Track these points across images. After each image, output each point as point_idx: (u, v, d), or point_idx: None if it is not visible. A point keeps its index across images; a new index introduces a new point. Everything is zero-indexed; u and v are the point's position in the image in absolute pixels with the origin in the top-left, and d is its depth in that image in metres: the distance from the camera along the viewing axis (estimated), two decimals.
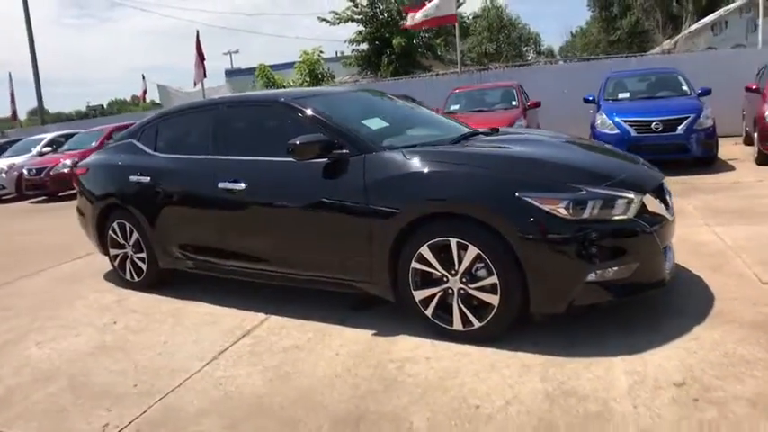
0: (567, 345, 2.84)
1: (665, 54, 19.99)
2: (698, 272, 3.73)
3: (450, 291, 2.99)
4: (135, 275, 4.43)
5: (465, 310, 2.95)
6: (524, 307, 2.86)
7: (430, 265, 2.99)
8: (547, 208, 2.73)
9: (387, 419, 2.38)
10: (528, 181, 2.85)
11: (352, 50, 21.60)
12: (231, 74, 27.11)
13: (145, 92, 24.54)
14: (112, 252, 4.55)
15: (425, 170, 3.04)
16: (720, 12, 23.93)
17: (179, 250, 4.06)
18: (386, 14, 20.07)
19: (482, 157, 3.22)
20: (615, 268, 2.78)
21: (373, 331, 3.24)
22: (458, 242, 2.88)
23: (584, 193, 2.78)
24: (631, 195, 2.86)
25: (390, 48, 19.86)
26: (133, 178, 4.19)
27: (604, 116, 7.63)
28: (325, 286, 3.50)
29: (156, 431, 2.45)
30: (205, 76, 16.09)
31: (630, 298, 2.97)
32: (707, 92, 7.89)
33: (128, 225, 4.31)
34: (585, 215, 2.74)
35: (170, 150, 4.15)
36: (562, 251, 2.74)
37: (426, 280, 3.05)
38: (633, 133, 7.33)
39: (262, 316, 3.64)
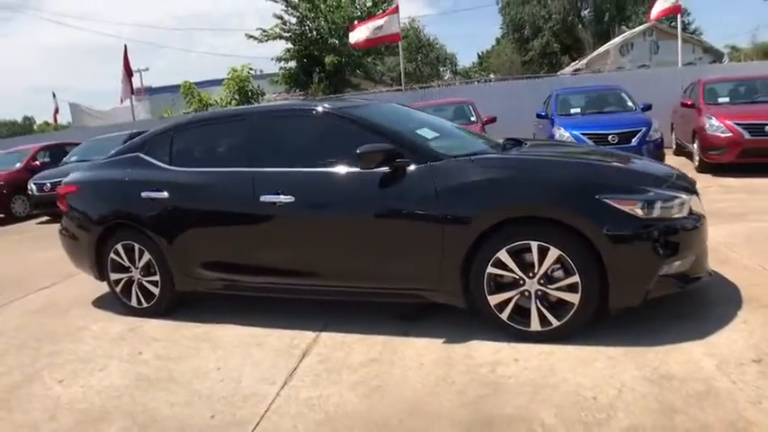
0: (634, 337, 2.98)
1: (575, 74, 21.72)
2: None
3: (526, 293, 3.02)
4: (143, 301, 4.02)
5: (543, 310, 3.00)
6: (601, 303, 2.96)
7: (507, 268, 3.02)
8: (625, 209, 2.88)
9: (516, 420, 2.37)
10: (605, 184, 2.99)
11: (280, 68, 21.35)
12: (153, 92, 25.64)
13: (57, 111, 22.53)
14: (114, 277, 4.10)
15: (505, 176, 3.09)
16: (626, 35, 26.58)
17: (204, 270, 3.76)
18: (315, 33, 20.09)
19: (554, 163, 3.33)
20: (679, 261, 2.97)
21: (442, 339, 3.19)
22: (539, 245, 2.94)
23: (652, 194, 2.96)
24: (686, 196, 3.09)
25: (320, 65, 19.86)
26: (146, 194, 3.84)
27: (562, 129, 8.13)
28: (384, 298, 3.41)
29: None
30: (132, 92, 15.09)
31: (689, 288, 3.17)
32: (648, 107, 8.68)
33: (136, 246, 3.92)
34: (655, 214, 2.92)
35: (191, 163, 3.85)
36: (640, 248, 2.89)
37: (501, 284, 3.07)
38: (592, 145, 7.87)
39: (310, 333, 3.46)
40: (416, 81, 32.14)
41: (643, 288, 2.93)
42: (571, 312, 2.97)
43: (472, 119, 9.56)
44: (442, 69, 38.76)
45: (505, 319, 3.09)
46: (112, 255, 4.04)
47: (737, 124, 7.42)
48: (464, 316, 3.31)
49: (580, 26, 33.57)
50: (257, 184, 3.48)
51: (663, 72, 13.87)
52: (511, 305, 3.07)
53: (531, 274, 3.00)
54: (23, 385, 3.13)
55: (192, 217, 3.74)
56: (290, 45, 20.42)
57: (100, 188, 4.17)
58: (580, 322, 2.99)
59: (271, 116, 3.80)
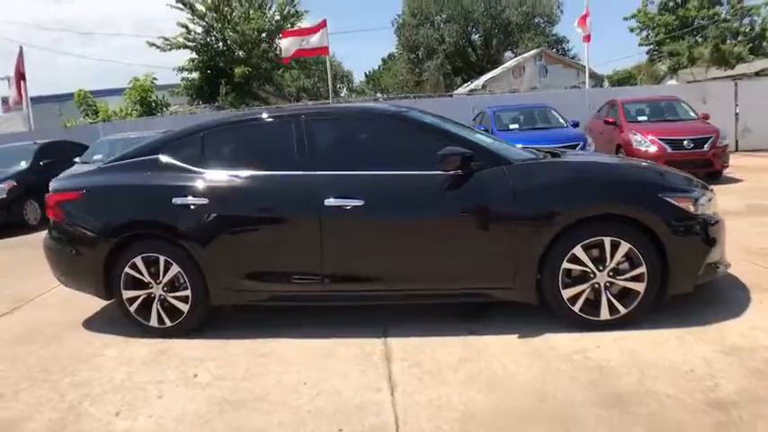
0: (682, 320, 3.31)
1: (471, 94, 23.16)
2: None
3: (596, 285, 3.22)
4: (167, 320, 3.61)
5: (613, 300, 3.22)
6: (661, 291, 3.25)
7: (581, 263, 3.21)
8: (681, 205, 3.23)
9: (643, 395, 2.55)
10: (664, 185, 3.34)
11: (182, 79, 20.22)
12: (39, 100, 22.63)
13: None
14: (128, 295, 3.63)
15: (580, 178, 3.31)
16: (519, 59, 28.89)
17: (250, 281, 3.48)
18: (221, 44, 19.36)
19: (618, 166, 3.62)
20: (717, 251, 3.37)
21: (515, 335, 3.29)
22: (611, 240, 3.16)
23: (696, 192, 3.34)
24: (711, 194, 3.52)
25: (226, 77, 19.15)
26: (179, 201, 3.47)
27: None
28: (450, 299, 3.45)
29: None
30: (22, 100, 13.38)
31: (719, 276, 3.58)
32: (576, 124, 9.55)
33: (162, 258, 3.52)
34: (700, 210, 3.29)
35: (231, 167, 3.56)
36: (694, 240, 3.25)
37: (573, 278, 3.24)
38: None
39: (375, 340, 3.37)
40: (315, 97, 32.17)
41: (695, 275, 3.28)
42: (637, 300, 3.23)
43: None
44: (339, 86, 39.21)
45: (578, 311, 3.26)
46: (128, 269, 3.58)
47: (660, 139, 8.46)
48: (516, 312, 3.48)
49: (471, 50, 36.04)
50: (321, 188, 3.32)
51: (570, 93, 15.36)
52: (583, 297, 3.25)
53: (601, 268, 3.21)
54: (69, 424, 2.66)
55: (238, 224, 3.46)
56: (194, 55, 19.49)
57: (113, 194, 3.70)
58: (644, 309, 3.26)
59: (327, 118, 3.65)
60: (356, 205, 3.28)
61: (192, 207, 3.46)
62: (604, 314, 3.25)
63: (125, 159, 3.85)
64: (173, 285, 3.58)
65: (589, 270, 3.22)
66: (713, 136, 8.47)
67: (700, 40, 28.46)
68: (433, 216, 3.31)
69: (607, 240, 3.17)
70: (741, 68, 22.15)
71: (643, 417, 2.39)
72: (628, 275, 3.22)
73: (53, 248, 3.88)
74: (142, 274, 3.57)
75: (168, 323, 3.61)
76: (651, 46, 37.28)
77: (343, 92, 38.80)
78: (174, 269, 3.52)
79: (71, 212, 3.75)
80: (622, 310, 3.24)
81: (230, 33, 18.74)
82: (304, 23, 21.09)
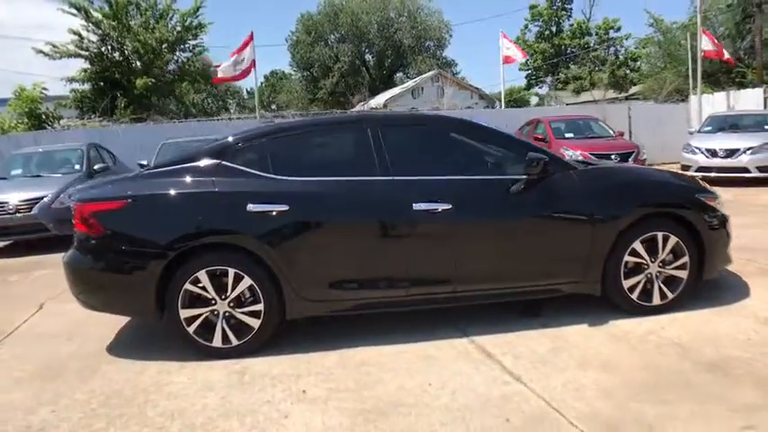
0: (704, 303, 3.79)
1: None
2: None
3: (648, 275, 3.62)
4: (233, 338, 3.35)
5: (663, 287, 3.64)
6: (698, 277, 3.73)
7: (639, 255, 3.59)
8: (711, 204, 3.76)
9: (731, 361, 2.99)
10: (696, 187, 3.86)
11: (71, 90, 18.29)
12: None
13: None
14: (187, 314, 3.31)
15: (638, 181, 3.76)
16: (417, 80, 30.23)
17: (333, 290, 3.38)
18: (118, 54, 17.86)
19: (661, 172, 4.05)
20: (730, 243, 3.94)
21: (585, 324, 3.58)
22: (663, 234, 3.59)
23: (716, 193, 3.89)
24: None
25: (122, 90, 17.70)
26: (255, 207, 3.27)
27: None
28: (525, 296, 3.64)
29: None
30: None
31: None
32: None
33: (232, 271, 3.28)
34: (719, 208, 3.83)
35: (304, 172, 3.44)
36: (721, 233, 3.80)
37: (630, 270, 3.61)
38: None
39: (461, 340, 3.46)
40: (204, 114, 30.84)
41: (721, 263, 3.82)
42: (681, 286, 3.68)
43: None
44: (230, 102, 37.92)
45: (635, 299, 3.63)
46: (188, 285, 3.28)
47: (591, 154, 9.45)
48: (562, 305, 3.77)
49: (365, 70, 37.06)
50: (409, 193, 3.35)
51: (486, 112, 16.43)
52: (640, 287, 3.63)
53: (653, 259, 3.61)
54: None
55: (322, 232, 3.35)
56: (87, 65, 17.75)
57: (171, 202, 3.36)
58: (687, 294, 3.71)
59: (403, 124, 3.66)
60: (445, 209, 3.36)
61: (272, 214, 3.28)
62: (656, 300, 3.66)
63: (172, 165, 3.54)
64: (239, 300, 3.35)
65: (644, 261, 3.60)
66: (635, 150, 9.67)
67: (590, 66, 31.95)
68: (514, 218, 3.51)
69: (660, 235, 3.59)
70: (610, 93, 25.46)
71: (743, 376, 2.80)
72: (674, 265, 3.66)
73: (84, 267, 3.43)
74: (206, 290, 3.30)
75: (235, 342, 3.35)
76: (529, 71, 41.12)
77: (233, 108, 37.53)
78: (246, 282, 3.29)
79: (114, 224, 3.34)
80: (670, 296, 3.67)
81: (130, 43, 17.35)
82: (207, 37, 20.31)
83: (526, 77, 41.76)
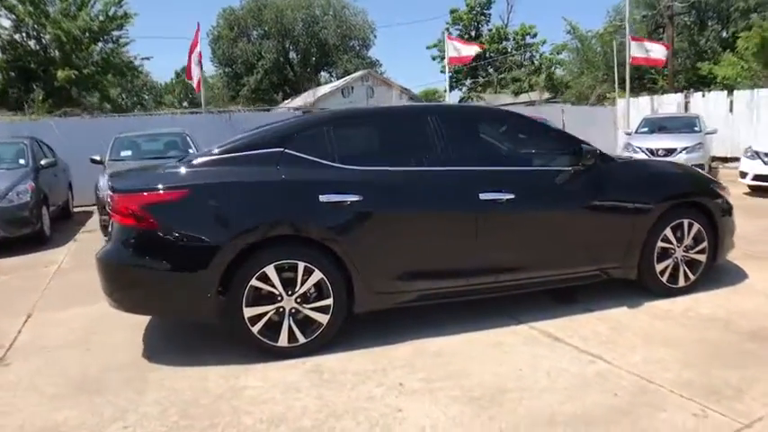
0: (715, 284, 4.17)
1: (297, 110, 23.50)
2: None
3: (675, 259, 3.94)
4: (300, 336, 3.20)
5: (687, 270, 3.97)
6: (712, 261, 4.10)
7: (669, 241, 3.89)
8: (722, 193, 4.14)
9: None
10: (711, 178, 4.22)
11: None
12: None
13: None
14: (251, 312, 3.12)
15: (669, 173, 4.07)
16: (347, 79, 29.93)
17: (402, 282, 3.34)
18: (34, 42, 16.17)
19: (681, 165, 4.35)
20: (735, 229, 4.36)
21: (624, 307, 3.81)
22: (688, 221, 3.93)
23: (722, 184, 4.30)
24: None
25: (38, 81, 16.08)
26: (327, 198, 3.15)
27: None
28: (573, 282, 3.80)
29: None
30: None
31: None
32: None
33: (302, 265, 3.13)
34: (728, 197, 4.24)
35: (370, 161, 3.37)
36: (730, 220, 4.21)
37: (661, 254, 3.89)
38: None
39: (521, 326, 3.56)
40: (121, 110, 28.93)
41: (730, 247, 4.21)
42: (701, 269, 4.04)
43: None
44: (147, 97, 35.70)
45: (665, 281, 3.93)
46: (255, 282, 3.09)
47: None
48: (590, 291, 3.96)
49: (290, 69, 36.35)
50: (476, 183, 3.39)
51: None
52: (669, 270, 3.93)
53: (679, 245, 3.92)
54: None
55: (394, 222, 3.30)
56: None
57: (235, 193, 3.14)
58: (704, 275, 4.06)
59: (461, 115, 3.69)
60: (509, 198, 3.44)
61: (344, 205, 3.18)
62: (681, 282, 3.98)
63: (230, 153, 3.32)
64: (304, 296, 3.21)
65: (672, 247, 3.91)
66: None
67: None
68: (568, 206, 3.67)
69: (686, 222, 3.91)
70: (523, 97, 26.97)
71: None
72: (696, 249, 4.00)
73: (129, 264, 3.12)
74: (274, 286, 3.13)
75: (302, 340, 3.20)
76: (451, 74, 42.32)
77: (151, 103, 35.37)
78: (316, 276, 3.16)
79: (171, 216, 3.06)
80: (692, 278, 4.02)
81: (51, 30, 15.73)
82: (132, 28, 19.01)
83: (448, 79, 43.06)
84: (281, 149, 3.29)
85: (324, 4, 36.35)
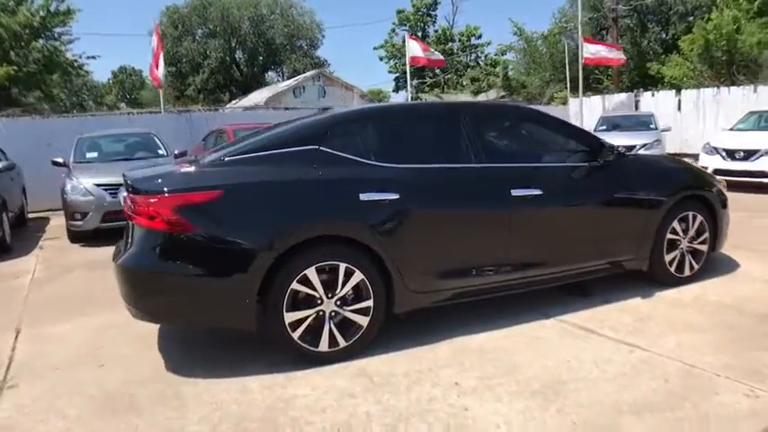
0: (711, 274, 4.40)
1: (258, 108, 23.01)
2: None
3: (680, 249, 4.14)
4: (341, 340, 3.10)
5: (691, 260, 4.18)
6: (712, 251, 4.33)
7: (676, 233, 4.09)
8: (720, 186, 4.38)
9: None
10: (707, 173, 4.44)
11: None
12: None
13: None
14: (292, 317, 2.99)
15: (677, 169, 4.28)
16: (299, 78, 29.49)
17: (440, 280, 3.32)
18: None
19: (677, 159, 4.55)
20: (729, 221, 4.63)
21: (638, 297, 3.95)
22: (692, 214, 4.13)
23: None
24: None
25: None
26: (367, 197, 3.08)
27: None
28: (594, 274, 3.90)
29: None
30: None
31: None
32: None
33: (342, 266, 3.04)
34: (724, 191, 4.49)
35: (404, 159, 3.30)
36: (727, 212, 4.44)
37: (668, 246, 4.08)
38: None
39: (551, 321, 3.62)
40: (61, 110, 27.31)
41: (725, 238, 4.45)
42: (703, 259, 4.26)
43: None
44: (84, 97, 33.73)
45: (673, 272, 4.12)
46: (296, 285, 2.97)
47: None
48: (600, 282, 4.07)
49: (236, 68, 35.50)
50: (507, 179, 3.42)
51: None
52: (676, 261, 4.12)
53: (684, 236, 4.12)
54: None
55: (433, 220, 3.26)
56: None
57: (274, 192, 3.02)
58: (705, 265, 4.28)
59: (490, 113, 3.71)
60: (536, 194, 3.49)
61: (384, 204, 3.12)
62: (687, 272, 4.19)
63: (263, 151, 3.18)
64: (344, 298, 3.13)
65: (678, 238, 4.09)
66: None
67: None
68: (590, 201, 3.77)
69: (690, 214, 4.11)
70: (481, 97, 27.64)
71: None
72: (699, 240, 4.21)
73: (157, 271, 2.92)
74: (314, 289, 3.02)
75: (342, 344, 3.11)
76: (397, 74, 42.65)
77: (91, 104, 33.46)
78: (356, 278, 3.08)
79: (205, 218, 2.89)
80: (696, 267, 4.23)
81: None
82: (76, 25, 17.90)
83: (395, 80, 43.37)
84: (317, 147, 3.18)
85: (271, 4, 35.74)
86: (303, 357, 3.08)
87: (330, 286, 3.06)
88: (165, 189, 2.96)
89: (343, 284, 3.08)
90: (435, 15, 43.13)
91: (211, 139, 10.34)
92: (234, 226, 2.94)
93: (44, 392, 3.02)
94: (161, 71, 12.04)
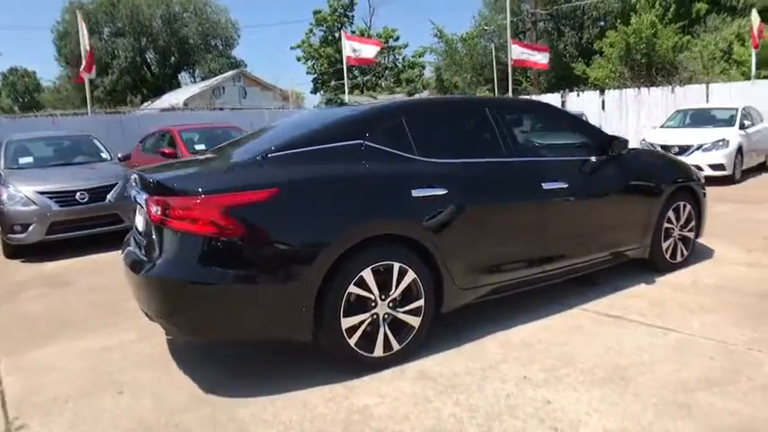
0: (694, 260, 4.79)
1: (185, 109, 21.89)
2: None
3: (673, 236, 4.44)
4: (395, 343, 2.99)
5: (682, 246, 4.50)
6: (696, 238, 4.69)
7: (671, 221, 4.38)
8: (700, 174, 4.74)
9: None
10: (690, 165, 4.81)
11: None
12: None
13: None
14: (349, 323, 2.84)
15: (671, 162, 4.56)
16: (218, 79, 28.25)
17: (485, 276, 3.31)
18: None
19: (665, 154, 4.84)
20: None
21: (642, 284, 4.20)
22: (683, 203, 4.45)
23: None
24: None
25: None
26: (420, 193, 3.00)
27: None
28: (602, 265, 4.05)
29: None
30: None
31: None
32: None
33: (396, 266, 2.93)
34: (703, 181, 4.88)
35: (444, 154, 3.26)
36: (706, 201, 4.78)
37: (665, 234, 4.36)
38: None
39: (572, 311, 3.72)
40: None
41: (705, 223, 4.83)
42: (691, 245, 4.61)
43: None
44: None
45: (668, 258, 4.41)
46: (352, 288, 2.83)
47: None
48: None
49: (147, 68, 33.39)
50: (538, 173, 3.50)
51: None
52: (671, 247, 4.42)
53: (676, 224, 4.43)
54: None
55: (477, 216, 3.24)
56: None
57: (330, 190, 2.85)
58: (693, 251, 4.63)
59: (516, 107, 3.73)
60: (563, 188, 3.59)
61: (434, 200, 3.05)
62: (678, 258, 4.50)
63: (309, 146, 2.99)
64: (403, 299, 3.02)
65: (672, 226, 4.39)
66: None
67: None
68: (607, 193, 3.94)
69: (682, 204, 4.42)
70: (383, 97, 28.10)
71: None
72: (688, 228, 4.54)
73: (201, 280, 2.64)
74: (370, 291, 2.90)
75: (396, 347, 3.00)
76: (316, 75, 42.24)
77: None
78: (409, 277, 2.99)
79: (260, 220, 2.67)
80: (686, 253, 4.56)
81: None
82: None
83: (313, 81, 42.92)
84: (362, 142, 3.05)
85: (183, 1, 34.00)
86: (357, 364, 2.94)
87: (383, 288, 2.95)
88: (212, 189, 2.69)
89: (397, 285, 2.97)
90: (352, 16, 43.18)
91: (151, 141, 9.70)
92: (290, 227, 2.74)
93: (66, 428, 2.65)
94: (93, 71, 11.08)
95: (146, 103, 30.67)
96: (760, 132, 10.15)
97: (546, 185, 3.51)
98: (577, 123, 4.02)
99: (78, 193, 6.39)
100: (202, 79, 32.13)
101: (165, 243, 2.79)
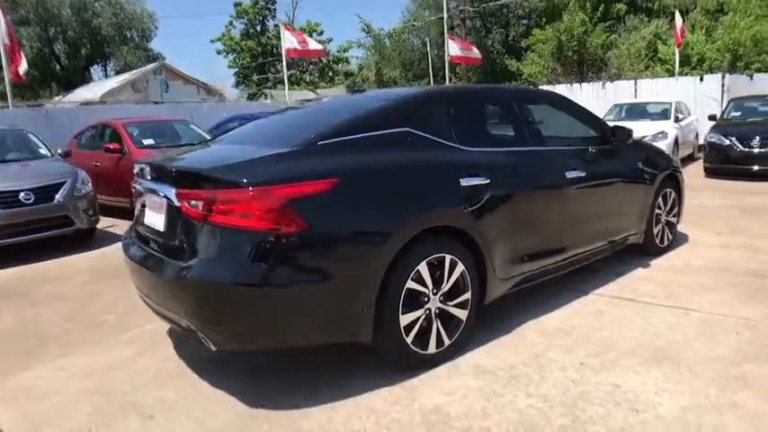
0: (677, 245, 5.11)
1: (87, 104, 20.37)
2: None
3: (662, 222, 4.72)
4: (446, 338, 2.92)
5: (668, 231, 4.79)
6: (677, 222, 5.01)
7: (660, 207, 4.66)
8: (678, 164, 5.09)
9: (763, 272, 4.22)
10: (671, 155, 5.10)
11: None
12: None
13: None
14: (407, 319, 2.73)
15: (656, 150, 4.89)
16: (138, 72, 26.40)
17: (522, 265, 3.34)
18: None
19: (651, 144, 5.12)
20: None
21: (640, 268, 4.43)
22: (669, 190, 4.75)
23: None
24: None
25: None
26: (467, 182, 2.95)
27: None
28: (602, 253, 4.14)
29: None
30: None
31: None
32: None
33: (447, 259, 2.86)
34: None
35: (480, 142, 3.28)
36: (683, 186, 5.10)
37: (656, 219, 4.62)
38: None
39: (588, 297, 3.84)
40: None
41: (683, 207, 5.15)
42: (675, 228, 4.94)
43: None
44: None
45: (658, 243, 4.67)
46: (410, 283, 2.72)
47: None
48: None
49: (57, 63, 30.72)
50: (562, 162, 3.60)
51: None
52: (660, 232, 4.69)
53: (664, 210, 4.71)
54: None
55: (513, 204, 3.24)
56: None
57: (388, 180, 2.72)
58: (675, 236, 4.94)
59: (539, 97, 3.77)
60: (582, 176, 3.70)
61: (479, 189, 3.01)
62: (665, 242, 4.78)
63: (357, 134, 2.83)
64: (451, 292, 2.94)
65: (660, 213, 4.65)
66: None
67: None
68: (615, 181, 4.11)
69: (668, 191, 4.70)
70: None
71: None
72: (672, 213, 4.83)
73: (257, 283, 2.40)
74: (425, 285, 2.80)
75: (447, 342, 2.94)
76: (237, 69, 40.61)
77: None
78: (459, 269, 2.93)
79: (320, 213, 2.48)
80: (671, 238, 4.86)
81: None
82: None
83: (234, 75, 41.31)
84: (406, 129, 2.95)
85: None
86: (413, 363, 2.85)
87: (436, 282, 2.86)
88: (267, 179, 2.44)
89: (448, 278, 2.90)
90: (274, 9, 41.80)
91: (88, 136, 8.89)
92: (352, 219, 2.58)
93: None
94: (24, 65, 10.00)
95: (57, 98, 28.21)
96: (690, 125, 11.07)
97: (569, 174, 3.60)
98: (585, 113, 4.15)
99: (22, 194, 5.75)
100: (117, 73, 30.01)
101: (204, 241, 2.51)
